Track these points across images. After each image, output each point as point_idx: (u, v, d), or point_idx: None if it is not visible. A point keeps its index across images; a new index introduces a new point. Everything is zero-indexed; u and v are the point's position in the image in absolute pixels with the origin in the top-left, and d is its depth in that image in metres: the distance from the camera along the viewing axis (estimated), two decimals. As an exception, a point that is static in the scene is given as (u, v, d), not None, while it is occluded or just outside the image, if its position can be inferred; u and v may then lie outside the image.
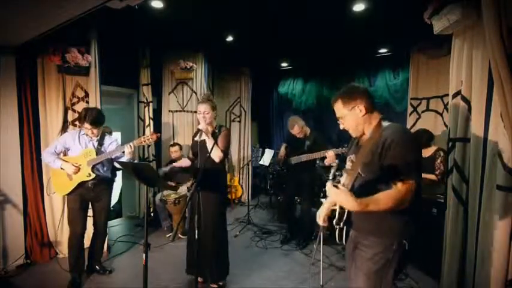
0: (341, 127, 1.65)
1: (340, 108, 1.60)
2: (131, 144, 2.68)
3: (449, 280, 2.41)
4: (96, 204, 2.92)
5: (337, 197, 1.36)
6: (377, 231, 1.51)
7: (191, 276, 2.82)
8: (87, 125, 2.72)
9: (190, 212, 2.95)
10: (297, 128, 3.71)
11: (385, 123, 1.54)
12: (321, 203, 4.01)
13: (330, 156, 3.39)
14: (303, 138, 3.78)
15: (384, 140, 1.44)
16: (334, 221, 1.54)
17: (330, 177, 1.42)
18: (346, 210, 1.49)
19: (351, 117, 1.58)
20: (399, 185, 1.38)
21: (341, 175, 1.66)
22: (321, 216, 1.71)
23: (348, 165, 1.69)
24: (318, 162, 3.93)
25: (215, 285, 2.78)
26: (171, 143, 4.65)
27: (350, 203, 1.33)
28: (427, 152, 3.41)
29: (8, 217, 3.15)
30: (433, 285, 2.76)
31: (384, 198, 1.37)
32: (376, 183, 1.45)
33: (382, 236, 1.50)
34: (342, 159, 3.63)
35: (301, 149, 3.69)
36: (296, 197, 4.22)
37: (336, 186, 1.35)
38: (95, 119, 2.73)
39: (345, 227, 1.56)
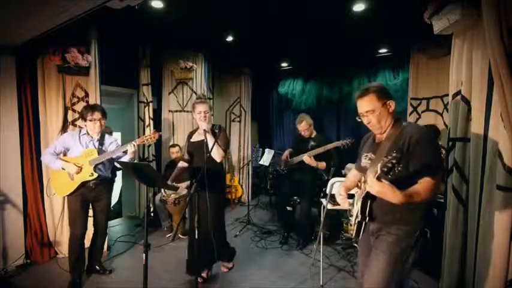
0: (365, 121, 1.68)
1: (373, 101, 1.63)
2: (134, 143, 2.69)
3: (449, 280, 2.41)
4: (96, 204, 2.92)
5: (382, 188, 1.41)
6: (400, 221, 1.58)
7: (191, 276, 2.82)
8: (97, 115, 2.75)
9: (190, 212, 2.95)
10: (305, 123, 3.71)
11: (402, 122, 1.65)
12: (320, 203, 4.04)
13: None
14: (308, 137, 3.79)
15: (408, 137, 1.52)
16: (358, 218, 1.63)
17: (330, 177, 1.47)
18: (368, 205, 1.60)
19: (382, 111, 1.62)
20: (431, 179, 1.47)
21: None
22: (341, 194, 1.79)
23: (365, 162, 1.74)
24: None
25: (226, 264, 2.97)
26: (171, 143, 4.65)
27: (396, 195, 1.41)
28: None
29: (8, 217, 3.15)
30: (433, 285, 2.76)
31: (422, 191, 1.47)
32: (404, 178, 1.51)
33: (405, 224, 1.58)
34: (341, 152, 3.67)
35: (305, 149, 3.69)
36: (296, 197, 4.22)
37: (379, 179, 1.40)
38: (103, 109, 2.82)
39: (363, 222, 1.67)
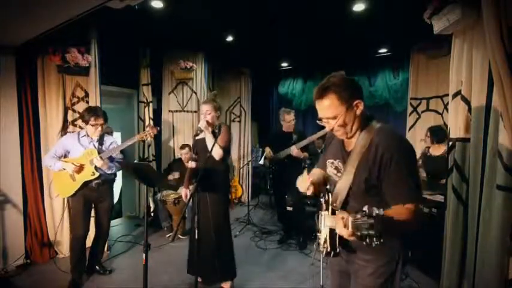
0: (328, 128, 1.35)
1: (334, 105, 1.27)
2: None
3: (449, 280, 2.41)
4: (99, 206, 2.93)
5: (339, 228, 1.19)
6: (378, 250, 1.24)
7: (191, 276, 2.82)
8: (100, 121, 2.78)
9: (191, 212, 2.93)
10: (292, 115, 3.86)
11: (375, 125, 1.33)
12: (313, 203, 4.00)
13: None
14: (290, 133, 3.85)
15: (380, 154, 1.24)
16: (327, 248, 1.40)
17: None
18: (337, 237, 1.34)
19: (348, 116, 1.28)
20: (408, 206, 1.21)
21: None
22: (304, 184, 1.42)
23: (331, 171, 1.46)
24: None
25: (225, 285, 2.77)
26: (181, 145, 4.56)
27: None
28: (439, 150, 3.36)
29: (8, 217, 3.15)
30: (433, 285, 2.76)
31: (397, 218, 1.19)
32: (375, 202, 1.24)
33: (383, 251, 1.32)
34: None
35: (289, 144, 3.73)
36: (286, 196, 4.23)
37: (352, 235, 1.07)
38: (105, 113, 2.85)
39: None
